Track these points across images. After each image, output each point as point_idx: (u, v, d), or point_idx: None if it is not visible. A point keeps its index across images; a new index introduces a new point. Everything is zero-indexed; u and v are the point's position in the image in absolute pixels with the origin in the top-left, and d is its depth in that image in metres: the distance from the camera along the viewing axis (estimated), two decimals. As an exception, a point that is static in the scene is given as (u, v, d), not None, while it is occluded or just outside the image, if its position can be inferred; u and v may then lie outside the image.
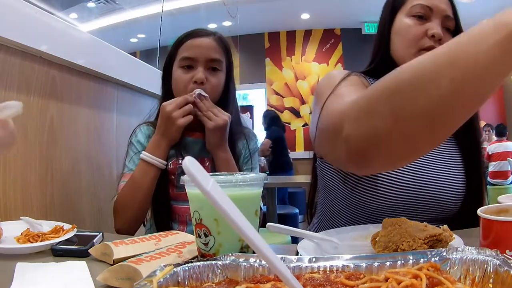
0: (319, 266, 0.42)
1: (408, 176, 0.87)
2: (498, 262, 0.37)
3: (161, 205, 1.10)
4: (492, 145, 5.20)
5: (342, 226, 0.92)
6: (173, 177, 1.11)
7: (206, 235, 0.54)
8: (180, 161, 1.11)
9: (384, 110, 0.54)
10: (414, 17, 0.91)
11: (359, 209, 0.90)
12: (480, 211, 0.53)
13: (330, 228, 0.90)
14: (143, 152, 1.04)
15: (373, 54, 1.01)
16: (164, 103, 1.04)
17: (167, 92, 1.14)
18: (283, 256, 0.43)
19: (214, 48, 1.10)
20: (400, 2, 0.95)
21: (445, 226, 0.58)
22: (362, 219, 0.91)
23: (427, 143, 0.56)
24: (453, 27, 0.91)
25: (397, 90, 0.52)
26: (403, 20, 0.93)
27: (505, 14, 0.47)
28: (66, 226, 0.82)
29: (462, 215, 0.90)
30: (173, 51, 1.12)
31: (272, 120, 5.52)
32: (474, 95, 0.48)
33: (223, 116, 1.04)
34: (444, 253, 0.41)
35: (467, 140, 0.95)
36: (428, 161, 0.91)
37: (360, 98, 0.60)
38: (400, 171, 0.87)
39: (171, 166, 1.10)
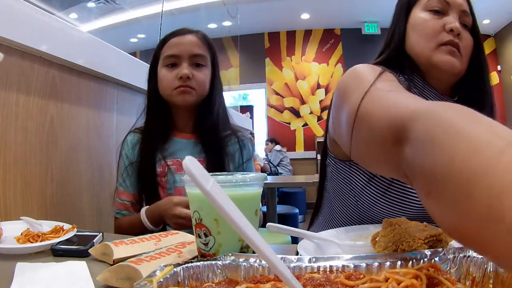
0: (319, 266, 0.42)
1: None
2: (498, 262, 0.37)
3: None
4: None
5: (340, 224, 0.92)
6: (162, 179, 1.11)
7: (206, 235, 0.54)
8: (168, 163, 1.11)
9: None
10: (430, 11, 0.88)
11: (366, 215, 0.88)
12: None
13: (328, 227, 0.89)
14: (143, 214, 1.02)
15: (384, 49, 0.95)
16: (176, 201, 0.96)
17: (152, 92, 1.14)
18: (283, 256, 0.43)
19: (197, 44, 1.11)
20: None
21: (445, 226, 0.58)
22: (374, 220, 0.88)
23: None
24: (470, 24, 0.89)
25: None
26: (419, 15, 0.90)
27: None
28: (66, 226, 0.82)
29: None
30: (157, 51, 1.13)
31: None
32: None
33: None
34: (444, 253, 0.41)
35: None
36: None
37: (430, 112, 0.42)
38: None
39: (160, 169, 1.11)
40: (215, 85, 1.15)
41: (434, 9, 0.88)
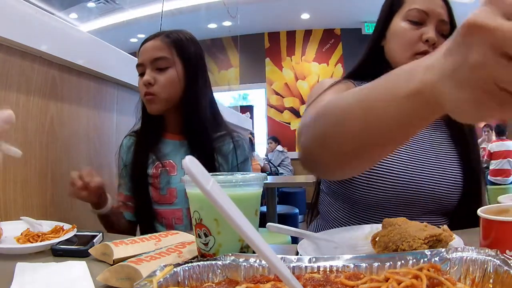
0: (319, 266, 0.42)
1: (403, 169, 0.88)
2: (498, 262, 0.37)
3: (143, 209, 1.12)
4: (493, 144, 5.21)
5: (342, 225, 0.92)
6: (155, 180, 1.11)
7: (206, 235, 0.54)
8: (161, 164, 1.11)
9: (320, 128, 0.58)
10: (410, 21, 0.93)
11: (357, 205, 0.91)
12: (480, 211, 0.53)
13: (332, 228, 0.90)
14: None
15: (367, 53, 1.02)
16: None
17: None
18: (283, 256, 0.43)
19: (158, 47, 1.08)
20: (398, 4, 0.97)
21: (445, 226, 0.58)
22: (360, 215, 0.91)
23: (356, 166, 0.59)
24: (448, 31, 0.93)
25: (328, 114, 0.57)
26: (399, 24, 0.95)
27: (419, 62, 0.42)
28: (66, 226, 0.82)
29: (461, 212, 0.91)
30: None
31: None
32: (385, 141, 0.49)
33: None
34: (444, 253, 0.41)
35: (463, 138, 0.96)
36: (422, 156, 0.91)
37: (314, 111, 0.62)
38: (395, 164, 0.88)
39: (153, 170, 1.11)
40: (192, 83, 1.11)
41: (414, 19, 0.93)
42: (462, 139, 0.96)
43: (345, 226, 0.92)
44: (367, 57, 1.03)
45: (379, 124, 0.46)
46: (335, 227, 0.89)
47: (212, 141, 1.11)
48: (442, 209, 0.91)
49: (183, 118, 1.13)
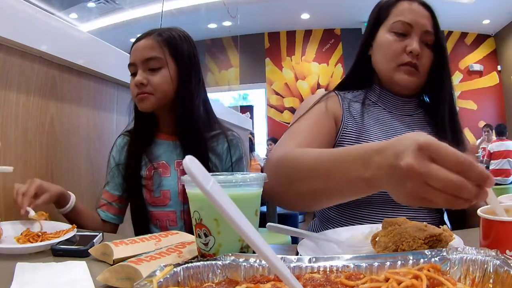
0: (319, 266, 0.42)
1: None
2: (498, 262, 0.37)
3: (137, 211, 1.11)
4: (493, 144, 5.23)
5: (335, 225, 0.93)
6: (149, 182, 1.10)
7: (206, 235, 0.54)
8: (154, 166, 1.09)
9: (282, 179, 0.74)
10: (395, 33, 0.96)
11: (346, 204, 0.91)
12: (480, 211, 0.53)
13: (329, 228, 0.90)
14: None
15: (354, 63, 1.07)
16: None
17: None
18: (283, 256, 0.43)
19: (150, 47, 1.05)
20: (384, 16, 1.00)
21: (445, 226, 0.58)
22: (349, 214, 0.92)
23: (310, 207, 0.84)
24: (432, 41, 0.96)
25: (292, 169, 0.72)
26: (384, 35, 0.98)
27: (372, 152, 0.56)
28: (66, 226, 0.82)
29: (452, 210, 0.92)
30: None
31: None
32: (340, 198, 0.70)
33: None
34: (444, 253, 0.41)
35: (445, 131, 0.97)
36: None
37: (279, 160, 0.78)
38: None
39: (147, 172, 1.10)
40: (185, 82, 1.08)
41: (398, 31, 0.96)
42: (444, 132, 0.97)
43: (337, 225, 0.92)
44: (355, 67, 1.07)
45: (334, 189, 0.65)
46: (330, 228, 0.89)
47: (206, 141, 1.10)
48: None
49: (176, 118, 1.11)
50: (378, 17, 1.01)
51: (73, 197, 1.02)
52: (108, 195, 1.13)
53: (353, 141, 0.94)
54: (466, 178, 0.45)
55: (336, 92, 1.04)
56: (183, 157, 1.07)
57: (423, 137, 0.48)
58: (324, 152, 0.68)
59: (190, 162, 0.31)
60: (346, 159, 0.61)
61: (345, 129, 0.96)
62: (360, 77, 1.06)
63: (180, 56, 1.08)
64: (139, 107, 1.07)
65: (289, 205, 0.82)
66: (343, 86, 1.08)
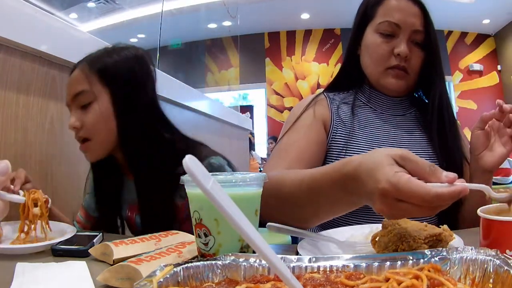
0: (319, 266, 0.42)
1: None
2: (498, 262, 0.37)
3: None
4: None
5: (331, 226, 0.92)
6: (132, 222, 1.00)
7: (206, 235, 0.54)
8: (132, 207, 0.98)
9: (269, 202, 0.70)
10: (381, 34, 0.92)
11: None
12: (480, 211, 0.53)
13: (328, 227, 0.90)
14: None
15: (343, 63, 1.04)
16: None
17: None
18: (283, 256, 0.43)
19: (76, 80, 0.89)
20: (370, 15, 0.95)
21: (445, 226, 0.58)
22: (354, 212, 0.91)
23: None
24: (422, 40, 0.92)
25: (274, 197, 0.71)
26: (371, 36, 0.94)
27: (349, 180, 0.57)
28: (67, 226, 0.82)
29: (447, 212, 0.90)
30: None
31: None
32: (329, 216, 0.73)
33: None
34: (444, 253, 0.41)
35: (440, 128, 0.95)
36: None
37: (268, 187, 0.75)
38: None
39: (128, 213, 1.00)
40: (127, 113, 0.89)
41: (385, 32, 0.92)
42: (438, 129, 0.95)
43: (335, 226, 0.92)
44: (345, 67, 1.04)
45: (320, 211, 0.69)
46: (327, 228, 0.88)
47: (176, 176, 0.97)
48: None
49: (127, 157, 0.93)
50: (365, 15, 0.96)
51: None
52: (84, 213, 1.06)
53: (342, 144, 0.94)
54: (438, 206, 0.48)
55: (325, 94, 1.02)
56: (137, 201, 0.91)
57: (385, 174, 0.49)
58: (304, 180, 0.68)
59: (190, 161, 0.31)
60: (325, 185, 0.62)
61: (335, 133, 0.95)
62: (350, 77, 1.03)
63: (116, 83, 0.90)
64: (86, 159, 0.94)
65: (281, 222, 0.79)
66: (333, 87, 1.05)
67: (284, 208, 0.72)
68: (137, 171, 0.92)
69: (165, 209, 0.90)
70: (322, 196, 0.64)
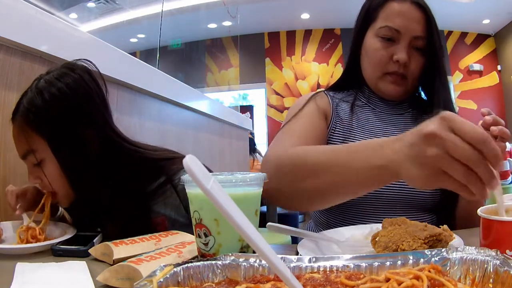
0: (319, 266, 0.42)
1: None
2: (498, 262, 0.37)
3: None
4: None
5: (329, 227, 0.92)
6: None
7: (206, 235, 0.54)
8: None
9: (285, 178, 0.73)
10: (382, 38, 0.91)
11: (337, 207, 0.90)
12: (480, 211, 0.53)
13: (328, 227, 0.90)
14: None
15: (346, 64, 1.05)
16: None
17: None
18: (283, 256, 0.43)
19: (18, 140, 0.79)
20: (371, 18, 0.94)
21: (445, 226, 0.58)
22: (340, 217, 0.92)
23: (317, 205, 0.82)
24: (423, 46, 0.90)
25: (300, 166, 0.72)
26: (371, 40, 0.94)
27: (389, 143, 0.59)
28: (66, 226, 0.82)
29: (444, 206, 0.90)
30: None
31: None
32: (351, 191, 0.69)
33: None
34: (444, 253, 0.41)
35: None
36: None
37: (279, 159, 0.78)
38: None
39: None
40: (73, 169, 0.78)
41: (385, 37, 0.90)
42: None
43: (334, 227, 0.92)
44: (347, 69, 1.05)
45: (349, 181, 0.65)
46: (327, 228, 0.88)
47: (145, 196, 0.84)
48: (424, 204, 0.90)
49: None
50: (366, 18, 0.95)
51: (61, 208, 0.93)
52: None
53: (340, 142, 0.94)
54: (481, 153, 0.48)
55: (325, 92, 1.03)
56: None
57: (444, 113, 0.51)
58: (335, 147, 0.71)
59: (191, 161, 0.31)
60: (363, 149, 0.63)
61: (333, 130, 0.95)
62: (352, 78, 1.03)
63: (52, 133, 0.77)
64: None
65: (292, 204, 0.81)
66: (336, 88, 1.06)
67: (305, 180, 0.70)
68: (105, 211, 0.83)
69: (142, 231, 0.74)
70: (358, 161, 0.63)
